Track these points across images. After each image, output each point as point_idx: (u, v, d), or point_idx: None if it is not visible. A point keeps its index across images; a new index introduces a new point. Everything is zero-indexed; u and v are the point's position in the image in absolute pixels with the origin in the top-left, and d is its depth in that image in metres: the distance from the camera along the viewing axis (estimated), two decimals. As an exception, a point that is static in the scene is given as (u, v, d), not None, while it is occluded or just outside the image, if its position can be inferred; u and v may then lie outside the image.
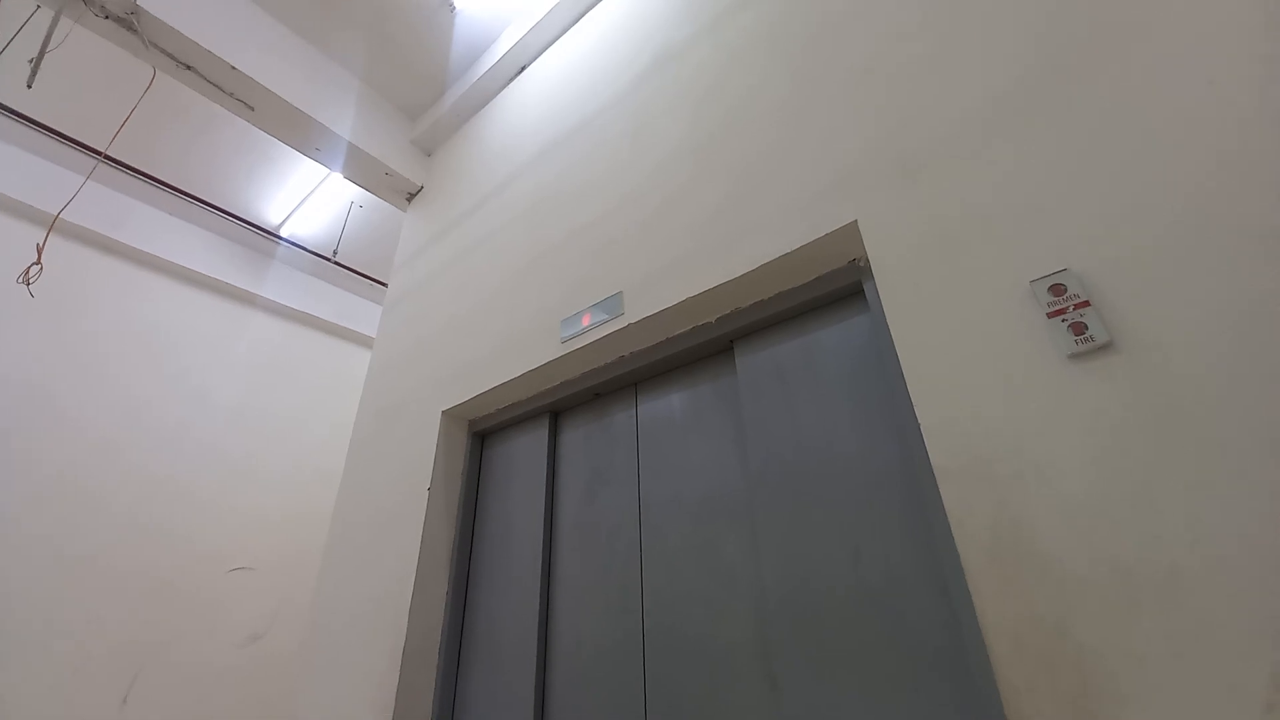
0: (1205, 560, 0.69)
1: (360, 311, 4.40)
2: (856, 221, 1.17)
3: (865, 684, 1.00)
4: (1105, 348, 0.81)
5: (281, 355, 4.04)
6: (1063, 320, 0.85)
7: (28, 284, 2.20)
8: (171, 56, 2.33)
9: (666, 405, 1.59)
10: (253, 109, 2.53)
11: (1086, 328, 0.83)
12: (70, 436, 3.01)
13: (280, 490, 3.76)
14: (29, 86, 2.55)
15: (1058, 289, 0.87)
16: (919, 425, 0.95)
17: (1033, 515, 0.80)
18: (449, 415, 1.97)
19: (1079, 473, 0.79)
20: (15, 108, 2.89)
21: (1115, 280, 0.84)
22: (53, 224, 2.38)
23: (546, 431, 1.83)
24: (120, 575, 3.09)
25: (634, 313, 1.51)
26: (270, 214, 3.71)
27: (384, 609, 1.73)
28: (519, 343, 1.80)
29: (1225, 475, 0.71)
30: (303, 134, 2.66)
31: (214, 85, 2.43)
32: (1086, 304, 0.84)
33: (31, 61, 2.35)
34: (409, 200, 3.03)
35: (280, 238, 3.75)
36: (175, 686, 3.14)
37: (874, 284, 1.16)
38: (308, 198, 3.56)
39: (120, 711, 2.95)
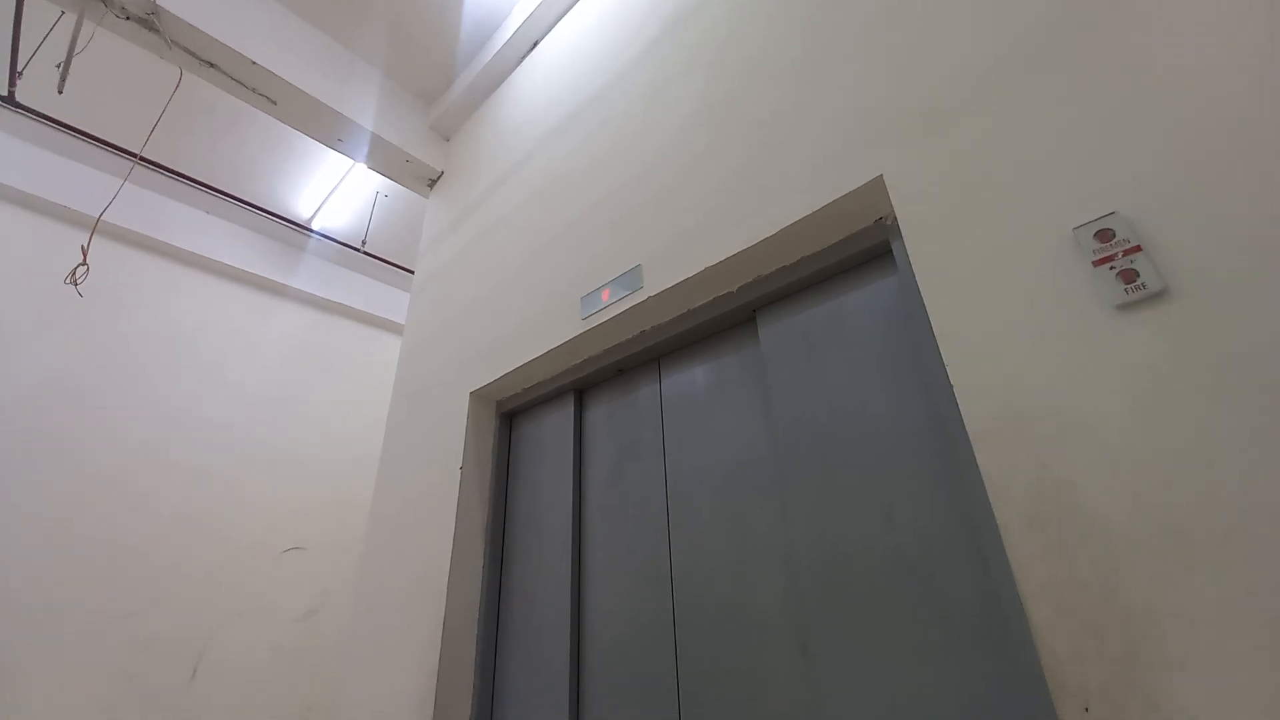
0: (1264, 519, 0.64)
1: (391, 300, 4.48)
2: (882, 176, 1.11)
3: (898, 651, 0.98)
4: (1159, 295, 0.75)
5: (317, 346, 4.16)
6: (1110, 268, 0.79)
7: (75, 284, 2.30)
8: (193, 54, 2.37)
9: (690, 378, 1.57)
10: (275, 103, 2.57)
11: (1138, 275, 0.77)
12: (116, 434, 3.18)
13: (323, 476, 3.91)
14: (60, 92, 2.64)
15: (1105, 234, 0.81)
16: (951, 388, 0.90)
17: (1078, 475, 0.76)
18: (476, 396, 2.00)
19: (1129, 429, 0.74)
20: (49, 114, 2.99)
21: (1170, 222, 0.77)
22: (95, 225, 2.48)
23: (572, 409, 1.84)
24: (175, 563, 3.27)
25: (653, 285, 1.48)
26: (300, 207, 3.79)
27: (424, 587, 1.79)
28: (540, 321, 1.80)
29: (1294, 427, 0.65)
30: (325, 126, 2.69)
31: (236, 81, 2.47)
32: (1137, 249, 0.78)
33: (59, 66, 2.43)
34: (430, 186, 3.05)
35: (311, 230, 3.83)
36: (240, 660, 3.34)
37: (902, 242, 1.10)
38: (335, 189, 3.62)
39: (190, 685, 3.15)
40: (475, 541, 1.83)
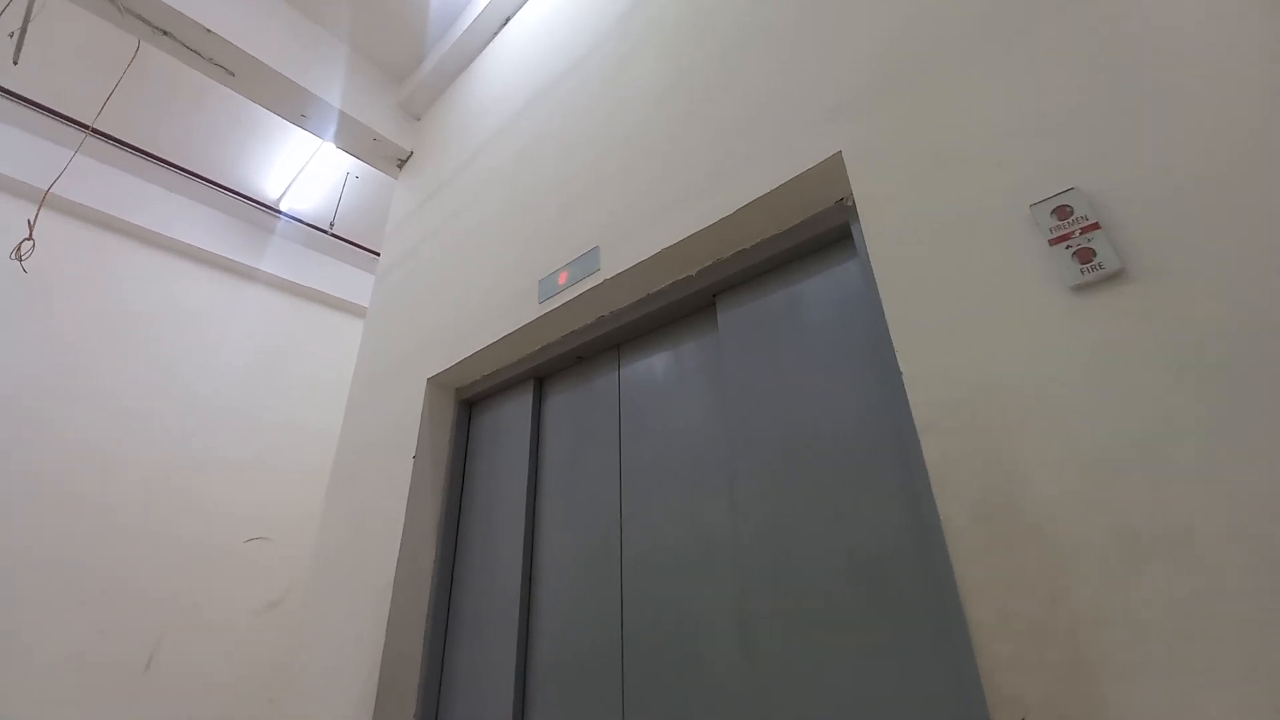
0: (1222, 520, 0.59)
1: (362, 284, 4.37)
2: (841, 153, 1.05)
3: (844, 651, 0.93)
4: (1116, 276, 0.70)
5: (285, 330, 4.05)
6: (1066, 247, 0.73)
7: (20, 260, 2.19)
8: (147, 22, 2.26)
9: (648, 366, 1.51)
10: (233, 74, 2.46)
11: (1094, 254, 0.71)
12: (72, 421, 3.06)
13: (290, 466, 3.81)
14: (15, 62, 2.52)
15: (1063, 211, 0.75)
16: (900, 374, 0.85)
17: (1026, 469, 0.71)
18: (434, 383, 1.92)
19: (1081, 420, 0.69)
20: (6, 85, 2.86)
21: (1130, 199, 0.72)
22: (44, 198, 2.36)
23: (531, 397, 1.77)
24: (135, 551, 3.17)
25: (610, 268, 1.42)
26: (268, 188, 3.67)
27: (370, 582, 1.72)
28: (499, 306, 1.73)
29: (1250, 422, 0.60)
30: (286, 100, 2.58)
31: (192, 51, 2.36)
32: (1095, 226, 0.72)
33: (12, 35, 2.31)
34: (400, 167, 2.95)
35: (278, 211, 3.71)
36: (198, 651, 3.25)
37: (860, 224, 1.04)
38: (303, 170, 3.50)
39: (144, 674, 3.06)
40: (427, 534, 1.76)
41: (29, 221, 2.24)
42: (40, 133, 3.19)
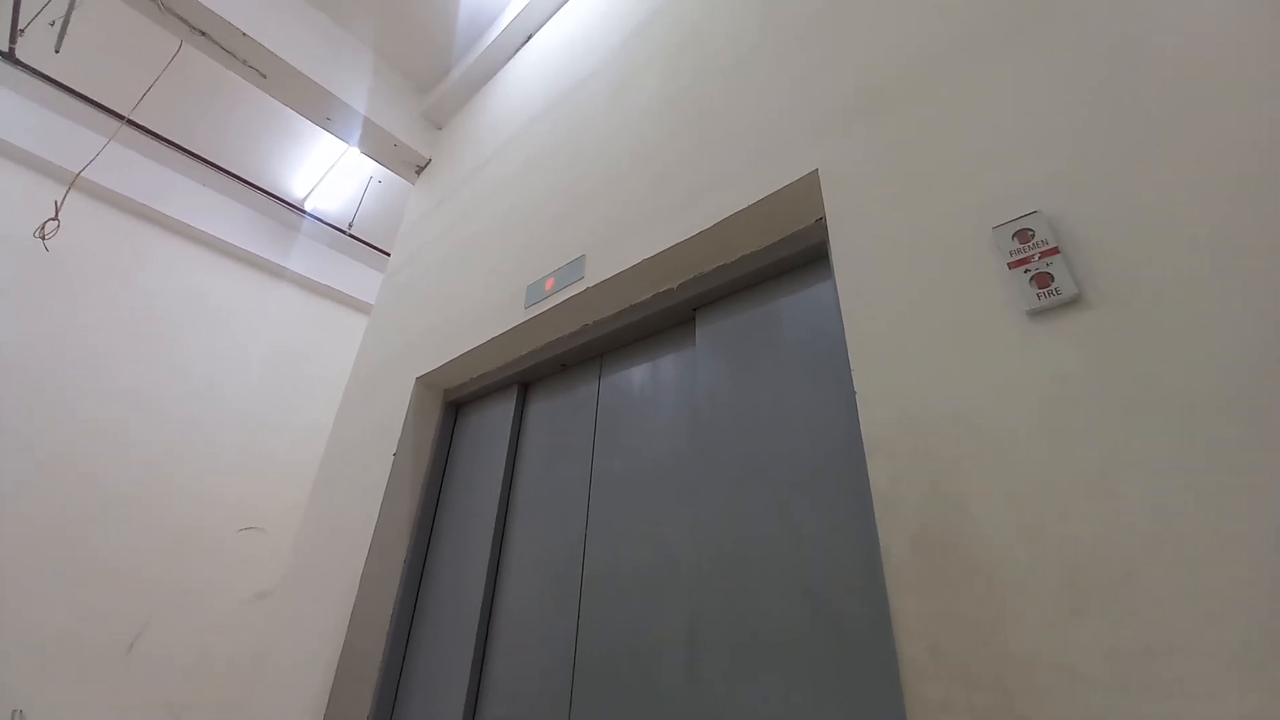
0: (1168, 562, 0.55)
1: (378, 285, 4.47)
2: (818, 172, 1.04)
3: (789, 681, 0.88)
4: (1072, 302, 0.67)
5: (301, 326, 4.14)
6: (1025, 270, 0.71)
7: (44, 239, 2.29)
8: (186, 22, 2.38)
9: (627, 378, 1.49)
10: (265, 76, 2.57)
11: (1052, 279, 0.68)
12: (80, 397, 3.14)
13: (293, 459, 3.85)
14: (56, 51, 2.67)
15: (1024, 235, 0.72)
16: (855, 395, 0.82)
17: (969, 498, 0.67)
18: (423, 382, 1.93)
19: (1029, 450, 0.65)
20: (50, 73, 3.02)
21: (1091, 223, 0.69)
22: (74, 180, 2.48)
23: (514, 403, 1.76)
24: (130, 534, 3.22)
25: (594, 276, 1.42)
26: (294, 188, 3.80)
27: (338, 578, 1.71)
28: (488, 309, 1.74)
29: (1202, 459, 0.56)
30: (314, 103, 2.68)
31: (227, 52, 2.48)
32: (1054, 251, 0.69)
33: (53, 24, 2.45)
34: (418, 173, 3.03)
35: (301, 210, 3.83)
36: (182, 638, 3.27)
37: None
38: (329, 172, 3.62)
39: (127, 656, 3.08)
40: (400, 532, 1.75)
41: (56, 202, 2.34)
42: (80, 120, 3.35)
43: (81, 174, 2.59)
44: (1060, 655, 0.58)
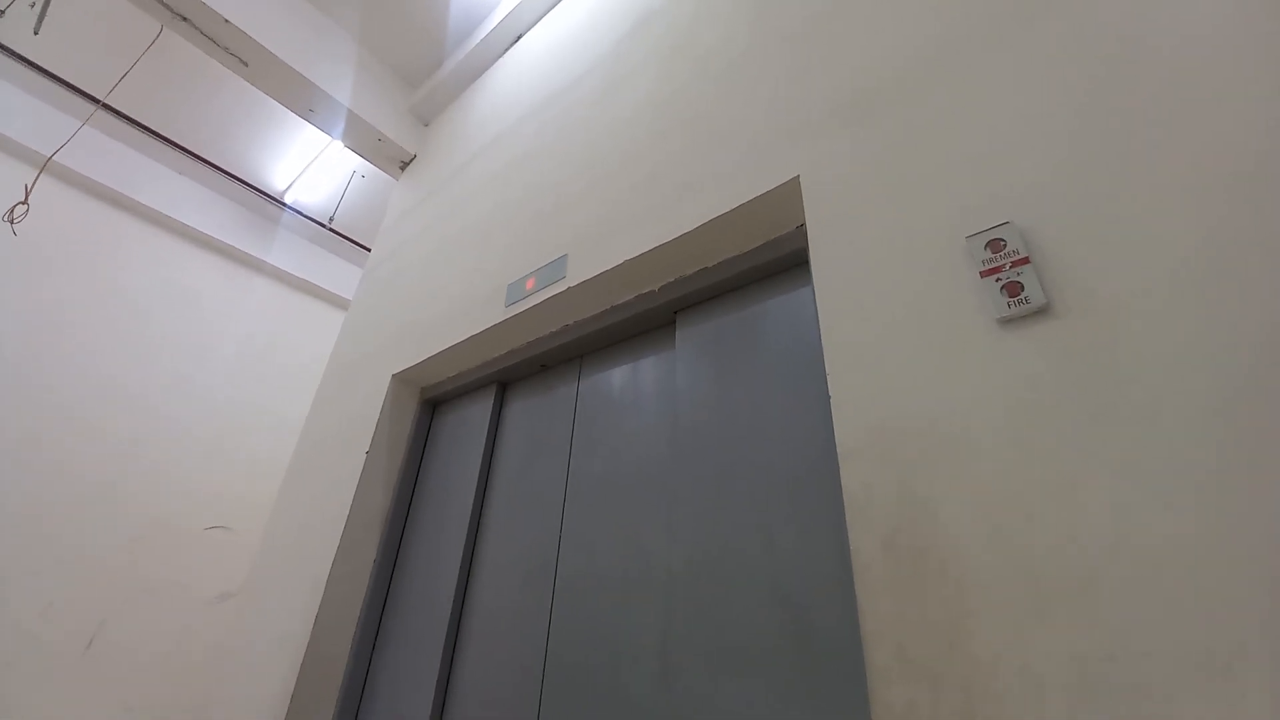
0: (1127, 567, 0.56)
1: (356, 280, 4.40)
2: (799, 178, 1.05)
3: (760, 685, 0.88)
4: (1041, 311, 0.68)
5: (278, 321, 4.06)
6: (996, 280, 0.72)
7: (12, 223, 2.21)
8: (168, 7, 2.33)
9: (607, 379, 1.49)
10: (246, 65, 2.52)
11: (1022, 288, 0.69)
12: (45, 388, 3.05)
13: (263, 457, 3.77)
14: (35, 32, 2.60)
15: (996, 245, 0.74)
16: (829, 399, 0.82)
17: (939, 502, 0.68)
18: (399, 379, 1.90)
19: (997, 455, 0.66)
20: (29, 56, 2.94)
21: (1062, 235, 0.70)
22: (45, 165, 2.40)
23: (492, 402, 1.74)
24: (91, 530, 3.12)
25: (575, 276, 1.41)
26: (275, 180, 3.73)
27: (304, 578, 1.67)
28: (468, 307, 1.72)
29: (1163, 466, 0.57)
30: (296, 93, 2.64)
31: (208, 38, 2.43)
32: (1025, 261, 0.71)
33: (33, 5, 2.39)
34: (402, 169, 2.99)
35: (281, 202, 3.76)
36: (143, 637, 3.16)
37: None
38: (310, 165, 3.56)
39: (84, 655, 2.98)
40: (370, 532, 1.72)
41: (26, 186, 2.27)
42: (56, 103, 3.26)
43: (53, 158, 2.51)
44: (1023, 659, 0.58)
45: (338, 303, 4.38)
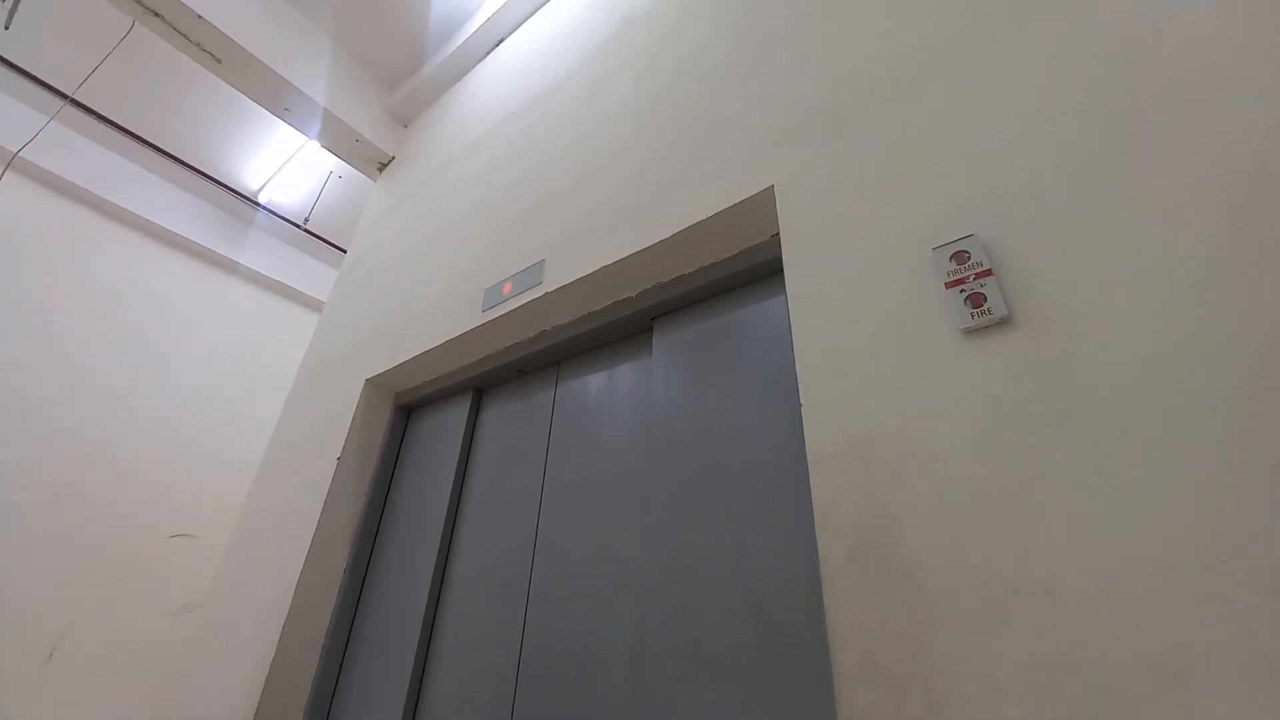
0: (1085, 573, 0.57)
1: (331, 282, 4.33)
2: (773, 187, 1.06)
3: (731, 691, 0.88)
4: (1003, 322, 0.70)
5: (251, 324, 3.98)
6: (961, 291, 0.73)
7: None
8: (139, 2, 2.28)
9: (584, 386, 1.48)
10: (219, 61, 2.47)
11: (985, 299, 0.71)
12: (6, 389, 2.95)
13: (232, 463, 3.67)
14: (5, 27, 2.52)
15: (961, 256, 0.75)
16: (800, 406, 0.83)
17: (903, 509, 0.68)
18: (373, 384, 1.87)
19: (960, 463, 0.67)
20: (4, 54, 2.85)
21: (1021, 246, 0.72)
22: (10, 160, 2.32)
23: (468, 408, 1.73)
24: (52, 534, 3.01)
25: (553, 281, 1.40)
26: (249, 180, 3.66)
27: (275, 585, 1.63)
28: (444, 311, 1.70)
29: (1121, 475, 0.59)
30: (271, 92, 2.59)
31: (181, 34, 2.38)
32: (988, 273, 0.72)
33: (3, 1, 2.32)
34: (380, 170, 2.96)
35: (255, 202, 3.69)
36: (106, 648, 3.06)
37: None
38: (285, 164, 3.50)
39: (45, 667, 2.87)
40: (341, 539, 1.68)
41: (-14, 182, 2.19)
42: (25, 99, 3.16)
43: (20, 154, 2.43)
44: (984, 666, 0.59)
45: (313, 305, 4.30)
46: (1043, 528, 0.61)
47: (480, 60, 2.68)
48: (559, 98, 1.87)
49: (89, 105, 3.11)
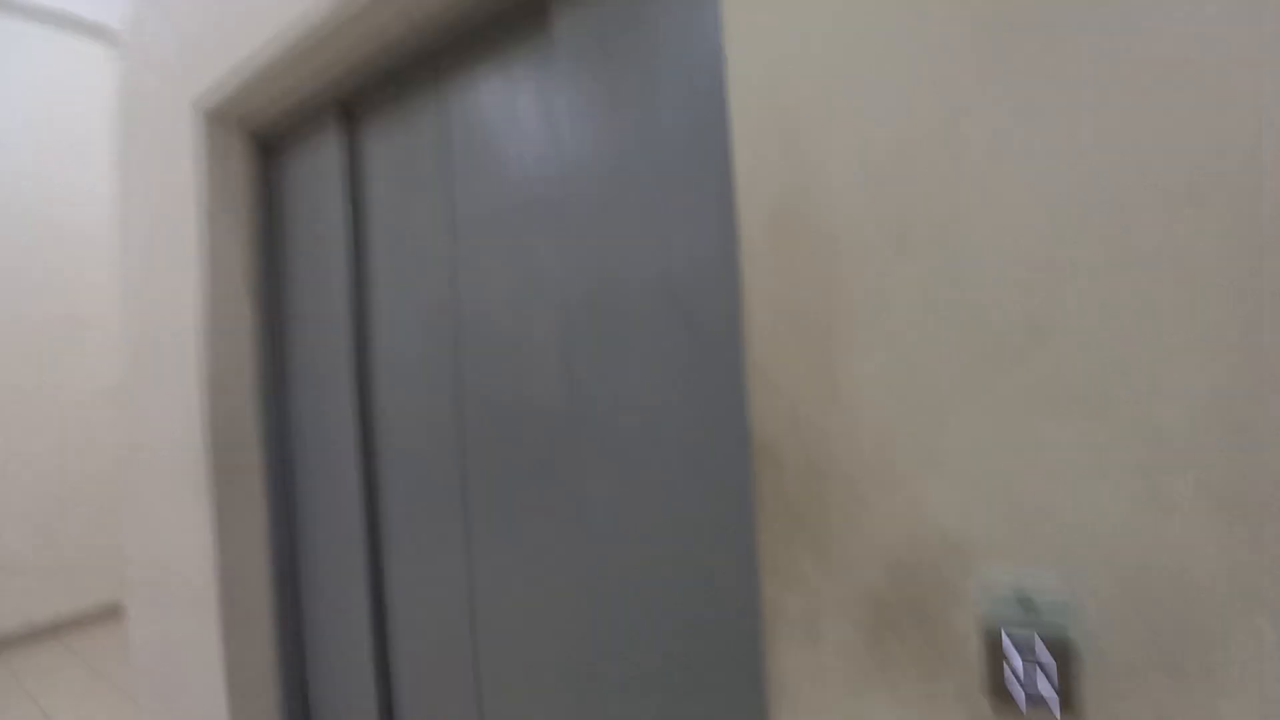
0: (995, 216, 0.58)
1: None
2: None
3: (652, 370, 0.96)
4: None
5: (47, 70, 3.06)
6: (921, -122, 0.58)
7: None
8: None
9: (475, 95, 1.26)
10: None
11: (947, -111, 0.57)
12: None
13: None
14: None
15: None
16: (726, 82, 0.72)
17: (824, 160, 0.65)
18: (213, 116, 1.52)
19: (882, 101, 0.62)
20: None
21: None
22: None
23: (338, 138, 1.46)
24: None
25: (410, -58, 1.06)
26: None
27: (185, 349, 1.54)
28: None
29: (1055, 103, 0.55)
30: None
31: None
32: None
33: None
34: None
35: None
36: (44, 438, 3.05)
37: None
38: None
39: None
40: (238, 298, 1.56)
41: None
42: None
43: None
44: (881, 293, 0.63)
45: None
46: (961, 156, 0.59)
47: None
48: None
49: None
